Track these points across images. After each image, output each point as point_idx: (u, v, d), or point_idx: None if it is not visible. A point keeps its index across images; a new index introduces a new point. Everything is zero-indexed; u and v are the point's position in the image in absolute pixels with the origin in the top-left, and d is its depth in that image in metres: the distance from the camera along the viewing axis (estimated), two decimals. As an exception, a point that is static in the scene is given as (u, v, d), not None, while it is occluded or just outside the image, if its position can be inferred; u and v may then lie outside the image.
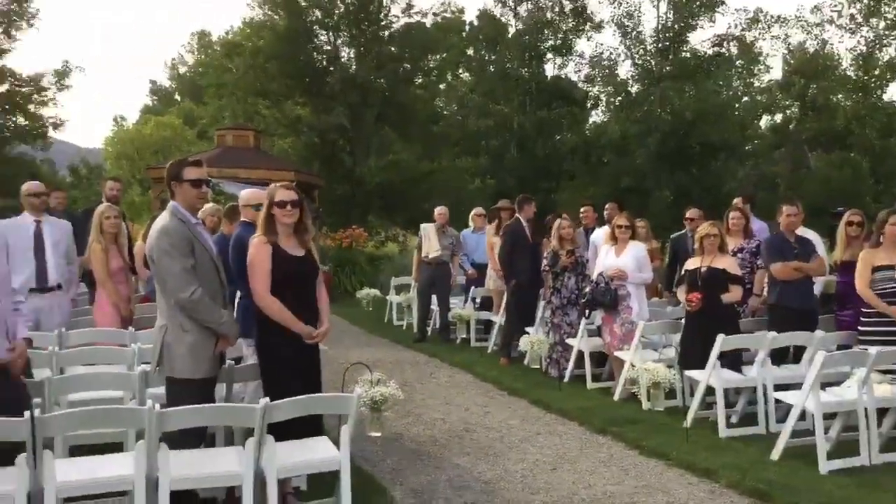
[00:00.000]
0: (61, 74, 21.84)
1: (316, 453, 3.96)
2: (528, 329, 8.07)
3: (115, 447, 4.17)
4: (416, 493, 4.60)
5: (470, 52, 31.44)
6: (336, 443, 3.91)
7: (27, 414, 3.20)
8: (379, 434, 5.23)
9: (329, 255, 15.41)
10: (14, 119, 21.14)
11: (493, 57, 30.15)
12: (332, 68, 23.99)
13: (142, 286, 7.62)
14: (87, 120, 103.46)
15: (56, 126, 22.04)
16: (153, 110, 53.45)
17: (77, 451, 4.22)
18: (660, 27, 27.25)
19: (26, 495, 3.22)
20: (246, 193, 5.44)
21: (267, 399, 3.57)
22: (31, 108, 21.31)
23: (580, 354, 7.41)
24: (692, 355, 6.05)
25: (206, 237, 4.08)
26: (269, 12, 23.74)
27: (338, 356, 8.51)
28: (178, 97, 56.27)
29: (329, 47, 24.52)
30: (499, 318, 9.10)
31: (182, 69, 57.18)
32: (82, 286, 7.03)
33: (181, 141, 38.93)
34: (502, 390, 7.33)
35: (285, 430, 3.73)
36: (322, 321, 4.36)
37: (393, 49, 24.43)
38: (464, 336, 9.82)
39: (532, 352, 7.75)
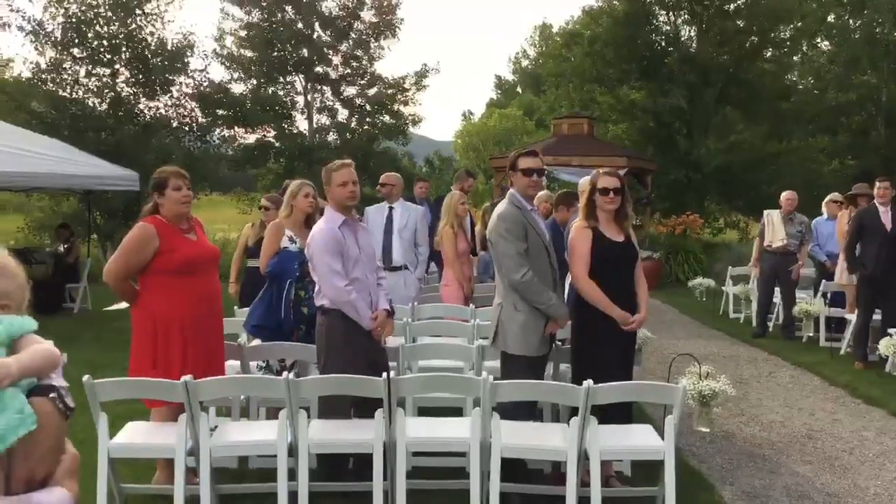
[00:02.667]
0: (420, 76, 24.24)
1: (639, 440, 3.96)
2: (891, 330, 7.06)
3: (456, 412, 4.60)
4: (748, 496, 4.35)
5: (831, 18, 28.05)
6: (660, 432, 3.86)
7: (384, 375, 3.69)
8: (707, 430, 5.03)
9: (660, 242, 15.04)
10: (381, 118, 24.08)
11: (858, 22, 26.57)
12: (670, 49, 23.26)
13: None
14: (440, 115, 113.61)
15: (415, 122, 24.58)
16: (497, 103, 56.86)
17: (423, 412, 4.74)
18: None
19: (382, 444, 3.73)
20: (584, 181, 5.58)
21: (591, 381, 3.65)
22: (395, 107, 24.07)
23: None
24: None
25: (539, 223, 4.29)
26: (609, -2, 23.78)
27: (666, 346, 8.33)
28: (519, 90, 59.20)
29: (668, 27, 23.79)
30: (852, 316, 8.10)
31: (524, 62, 59.97)
32: (432, 265, 7.80)
33: (521, 131, 40.90)
34: (856, 398, 6.53)
35: (600, 412, 3.77)
36: (640, 308, 4.31)
37: (739, 23, 22.86)
38: (810, 334, 8.90)
39: (895, 356, 6.78)
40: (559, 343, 4.71)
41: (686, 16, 23.68)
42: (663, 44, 23.89)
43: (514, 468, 3.91)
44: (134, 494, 4.06)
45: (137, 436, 3.89)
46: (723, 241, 19.94)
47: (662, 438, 3.79)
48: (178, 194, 4.11)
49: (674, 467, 3.71)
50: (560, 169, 15.58)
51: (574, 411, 3.72)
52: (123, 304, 4.31)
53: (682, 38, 23.97)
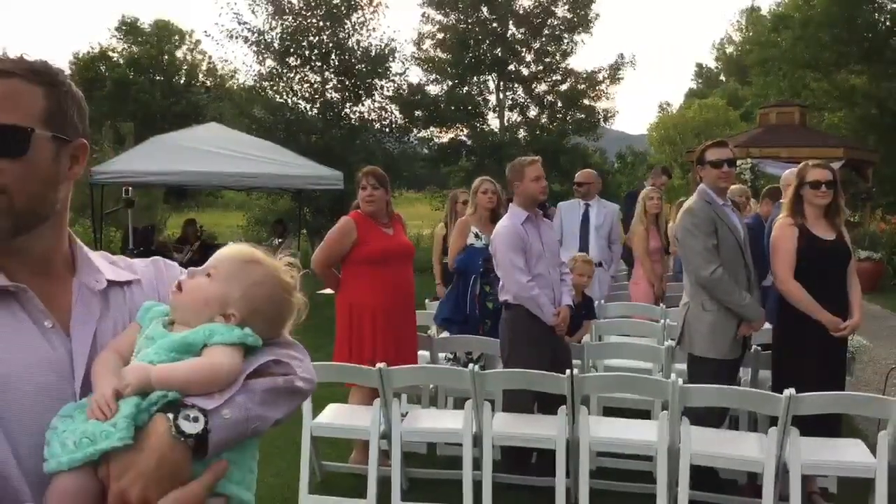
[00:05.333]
0: (614, 69, 23.72)
1: (847, 456, 3.63)
2: None
3: (642, 414, 4.48)
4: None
5: None
6: (872, 449, 3.53)
7: (568, 372, 3.68)
8: (931, 450, 4.49)
9: (882, 242, 13.60)
10: (573, 113, 23.86)
11: None
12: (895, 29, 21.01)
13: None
14: (634, 108, 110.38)
15: (607, 117, 24.10)
16: (697, 93, 54.29)
17: (609, 412, 4.67)
18: None
19: (565, 441, 3.72)
20: (788, 174, 5.22)
21: (792, 390, 3.41)
22: (586, 102, 23.74)
23: None
24: None
25: (733, 219, 4.07)
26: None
27: (884, 355, 7.54)
28: (722, 78, 56.10)
29: (894, 5, 21.44)
30: None
31: (729, 49, 56.69)
32: (622, 263, 7.64)
33: (723, 122, 38.72)
34: None
35: (804, 423, 3.51)
36: (852, 312, 3.95)
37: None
38: None
39: None
40: (758, 348, 4.44)
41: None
42: (888, 23, 21.54)
43: (704, 476, 3.74)
44: (332, 472, 4.38)
45: (337, 417, 4.18)
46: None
47: (874, 456, 3.45)
48: (363, 193, 4.45)
49: (886, 486, 3.37)
50: (767, 161, 14.57)
51: (773, 421, 3.50)
52: (329, 290, 4.72)
53: (914, 16, 21.51)
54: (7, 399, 1.06)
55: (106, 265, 1.29)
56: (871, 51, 21.05)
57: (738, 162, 9.34)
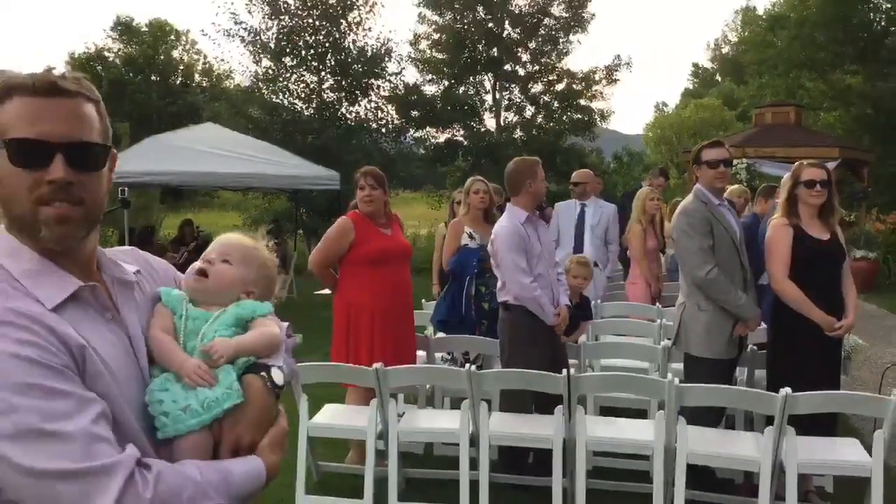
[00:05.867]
0: (610, 70, 23.76)
1: (843, 455, 3.65)
2: None
3: (639, 413, 4.49)
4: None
5: None
6: (868, 447, 3.54)
7: (564, 372, 3.69)
8: (927, 448, 4.51)
9: (878, 241, 13.64)
10: (569, 114, 23.88)
11: None
12: (892, 28, 20.99)
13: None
14: (630, 108, 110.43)
15: (603, 117, 24.12)
16: (693, 93, 54.37)
17: (605, 411, 4.67)
18: None
19: (562, 441, 3.73)
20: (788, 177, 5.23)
21: (788, 389, 3.42)
22: (582, 102, 23.77)
23: None
24: None
25: (729, 219, 4.08)
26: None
27: (880, 355, 7.57)
28: (718, 78, 56.17)
29: (889, 5, 21.47)
30: None
31: (725, 49, 56.77)
32: (618, 263, 7.64)
33: (719, 122, 38.79)
34: None
35: (800, 423, 3.51)
36: (847, 312, 3.95)
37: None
38: None
39: None
40: (754, 347, 4.45)
41: (911, -11, 21.26)
42: (883, 23, 21.59)
43: (700, 476, 3.75)
44: (329, 472, 4.38)
45: (333, 417, 4.18)
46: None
47: (870, 454, 3.46)
48: (362, 193, 4.46)
49: (882, 486, 3.38)
50: (762, 161, 14.60)
51: (769, 421, 3.51)
52: (327, 291, 4.73)
53: (907, 16, 21.55)
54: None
55: (118, 260, 1.42)
56: (867, 51, 21.08)
57: (734, 162, 9.37)
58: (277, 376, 1.39)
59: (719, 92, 46.90)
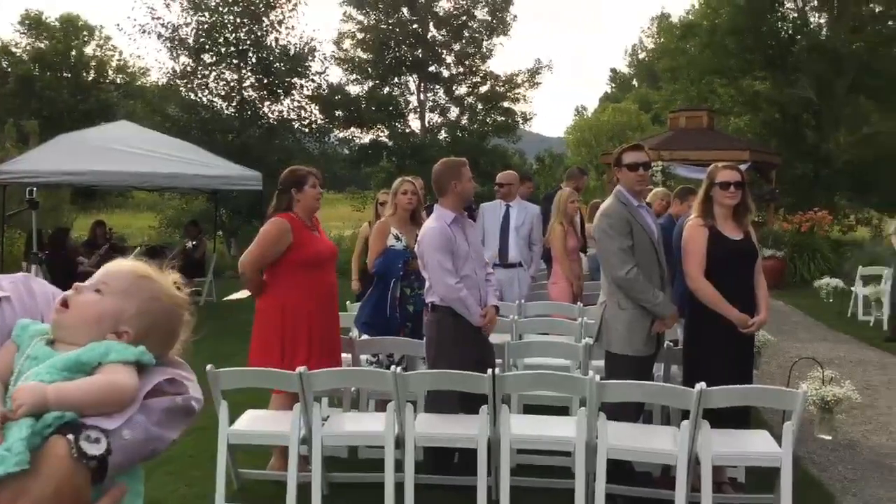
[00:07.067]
0: (533, 73, 24.15)
1: (755, 446, 3.80)
2: None
3: (562, 410, 4.56)
4: (872, 509, 4.09)
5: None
6: (778, 438, 3.69)
7: (489, 371, 3.71)
8: (829, 437, 4.76)
9: (784, 240, 14.29)
10: (493, 115, 24.17)
11: None
12: (798, 36, 22.08)
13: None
14: (552, 111, 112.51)
15: (526, 120, 24.51)
16: (612, 98, 55.81)
17: (529, 409, 4.73)
18: None
19: (486, 440, 3.75)
20: None
21: (703, 384, 3.53)
22: (506, 104, 24.10)
23: None
24: None
25: (647, 220, 4.18)
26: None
27: (787, 349, 7.93)
28: (635, 83, 57.80)
29: (796, 14, 22.57)
30: None
31: (641, 54, 58.45)
32: (542, 263, 7.74)
33: (636, 126, 39.93)
34: None
35: (715, 416, 3.64)
36: (759, 310, 4.12)
37: (874, 7, 21.40)
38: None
39: None
40: (671, 344, 4.58)
41: (815, 2, 22.38)
42: (790, 31, 22.68)
43: (620, 470, 3.84)
44: (250, 479, 4.28)
45: (255, 423, 4.09)
46: (853, 239, 18.70)
47: (780, 445, 3.62)
48: (315, 191, 4.37)
49: (791, 475, 3.54)
50: (677, 164, 15.11)
51: (685, 415, 3.61)
52: (243, 295, 4.57)
53: (811, 25, 22.68)
54: None
55: None
56: (775, 58, 22.08)
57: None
58: (90, 445, 1.02)
59: (636, 96, 48.28)
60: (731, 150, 14.96)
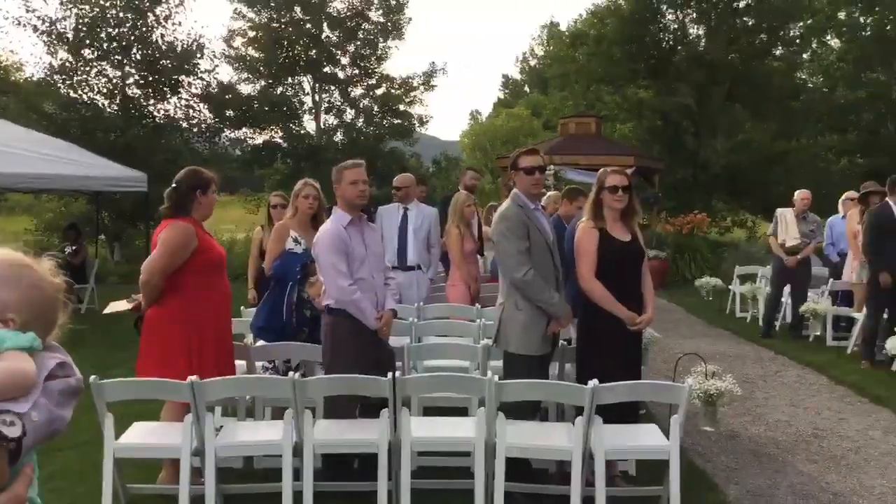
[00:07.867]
0: (428, 76, 24.28)
1: (645, 440, 3.95)
2: (898, 329, 7.03)
3: (461, 411, 4.60)
4: (753, 496, 4.33)
5: (841, 15, 27.85)
6: (666, 432, 3.86)
7: (390, 375, 3.69)
8: (713, 429, 5.02)
9: (667, 242, 15.00)
10: (389, 118, 24.15)
11: (868, 19, 26.37)
12: (678, 47, 23.26)
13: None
14: (448, 115, 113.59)
15: (422, 123, 24.64)
16: (504, 103, 56.76)
17: (428, 411, 4.74)
18: None
19: (388, 444, 3.73)
20: None
21: (596, 381, 3.65)
22: (402, 107, 24.14)
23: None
24: None
25: (543, 222, 4.28)
26: (616, -3, 23.75)
27: (672, 345, 8.31)
28: (527, 89, 59.08)
29: (676, 26, 23.76)
30: (861, 315, 8.06)
31: (532, 62, 59.83)
32: (440, 265, 7.79)
33: (528, 131, 40.82)
34: (862, 397, 6.50)
35: (605, 412, 3.76)
36: (646, 308, 4.30)
37: (748, 20, 22.82)
38: (817, 333, 8.88)
39: (903, 356, 6.75)
40: (565, 343, 4.70)
41: (694, 14, 23.65)
42: (671, 42, 23.86)
43: (518, 468, 3.91)
44: (139, 494, 4.08)
45: (143, 436, 3.91)
46: (730, 240, 19.85)
47: (668, 438, 3.78)
48: (215, 198, 4.27)
49: (678, 467, 3.70)
50: (568, 169, 15.59)
51: (579, 411, 3.72)
52: (121, 306, 4.35)
53: (690, 37, 23.93)
54: None
55: None
56: (657, 67, 23.15)
57: (544, 168, 9.91)
58: (7, 428, 1.08)
59: (528, 102, 49.34)
60: (618, 156, 15.54)
